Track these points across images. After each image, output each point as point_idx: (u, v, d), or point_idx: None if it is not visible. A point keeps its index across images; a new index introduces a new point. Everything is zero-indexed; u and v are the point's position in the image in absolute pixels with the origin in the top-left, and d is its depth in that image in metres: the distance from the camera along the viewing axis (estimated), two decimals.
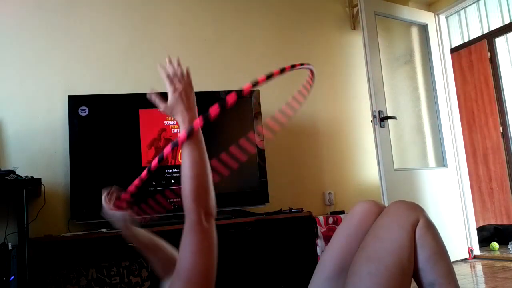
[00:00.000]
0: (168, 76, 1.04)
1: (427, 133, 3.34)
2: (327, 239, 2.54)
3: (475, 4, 4.07)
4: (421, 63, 3.44)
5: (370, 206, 1.17)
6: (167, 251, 1.16)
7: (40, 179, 2.00)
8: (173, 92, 1.02)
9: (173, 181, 2.42)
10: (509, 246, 3.19)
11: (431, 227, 1.07)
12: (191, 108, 1.02)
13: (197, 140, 1.00)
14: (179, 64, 1.06)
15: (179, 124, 1.02)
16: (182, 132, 0.99)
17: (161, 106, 1.03)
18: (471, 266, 2.88)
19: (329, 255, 1.15)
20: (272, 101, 3.01)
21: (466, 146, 3.63)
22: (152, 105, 2.65)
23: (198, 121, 0.98)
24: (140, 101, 2.47)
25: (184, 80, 1.04)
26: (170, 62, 1.05)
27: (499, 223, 3.83)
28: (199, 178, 0.98)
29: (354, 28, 3.51)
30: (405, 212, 1.07)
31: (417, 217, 1.07)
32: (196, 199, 0.96)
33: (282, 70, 1.10)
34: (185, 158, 0.99)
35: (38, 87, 2.50)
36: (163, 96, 1.05)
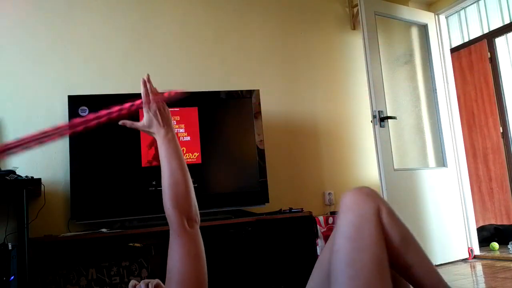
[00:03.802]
0: (142, 96, 1.11)
1: (427, 133, 3.34)
2: (327, 239, 2.54)
3: (475, 4, 4.07)
4: (421, 63, 3.44)
5: (360, 200, 1.20)
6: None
7: (40, 179, 2.00)
8: (146, 112, 1.10)
9: None
10: (509, 246, 3.19)
11: (392, 212, 1.06)
12: (166, 124, 1.09)
13: (175, 148, 1.06)
14: (149, 82, 1.12)
15: (156, 139, 1.09)
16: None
17: (139, 125, 1.11)
18: (471, 266, 2.88)
19: (326, 254, 1.15)
20: (272, 101, 3.01)
21: (466, 146, 3.63)
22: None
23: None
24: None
25: (155, 97, 1.10)
26: (145, 82, 1.11)
27: (499, 223, 3.83)
28: (178, 186, 1.03)
29: (354, 28, 3.51)
30: (366, 204, 1.04)
31: (377, 205, 1.05)
32: (176, 206, 1.01)
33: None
34: (164, 167, 1.05)
35: (38, 87, 2.50)
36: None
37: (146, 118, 1.10)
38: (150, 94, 1.11)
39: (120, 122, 1.13)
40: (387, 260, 1.01)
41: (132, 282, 1.12)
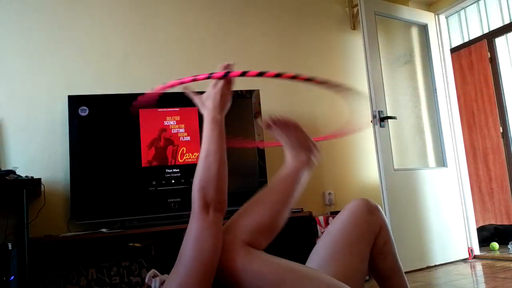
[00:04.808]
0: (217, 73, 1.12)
1: (427, 133, 3.34)
2: None
3: (475, 4, 4.07)
4: (421, 63, 3.43)
5: (360, 203, 1.23)
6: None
7: (40, 179, 2.00)
8: (212, 86, 1.13)
9: (173, 181, 2.42)
10: (509, 246, 3.19)
11: (246, 241, 1.13)
12: (220, 107, 1.08)
13: (219, 133, 1.05)
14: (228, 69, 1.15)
15: (204, 118, 1.08)
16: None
17: (196, 98, 1.12)
18: (471, 266, 2.88)
19: (321, 244, 1.23)
20: (272, 101, 3.01)
21: (466, 146, 3.63)
22: (152, 105, 2.65)
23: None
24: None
25: (225, 83, 1.13)
26: (227, 66, 1.16)
27: (499, 223, 3.83)
28: (209, 171, 1.01)
29: (354, 28, 3.51)
30: (239, 265, 1.05)
31: (244, 251, 1.09)
32: (201, 190, 1.00)
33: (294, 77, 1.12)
34: (202, 148, 1.04)
35: (38, 87, 2.50)
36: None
37: (207, 92, 1.11)
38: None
39: (183, 87, 1.16)
40: (295, 265, 1.08)
41: (152, 272, 1.12)
